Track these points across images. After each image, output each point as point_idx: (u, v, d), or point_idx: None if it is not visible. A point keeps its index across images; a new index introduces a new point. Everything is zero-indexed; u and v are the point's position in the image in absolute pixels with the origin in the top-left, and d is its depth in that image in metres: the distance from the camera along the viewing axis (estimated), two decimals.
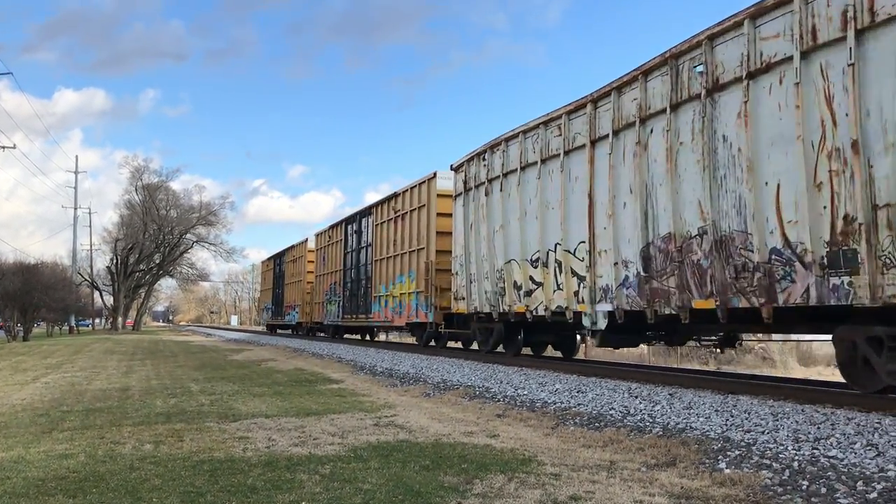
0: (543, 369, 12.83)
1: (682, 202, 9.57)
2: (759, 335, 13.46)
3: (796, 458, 5.43)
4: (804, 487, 4.76)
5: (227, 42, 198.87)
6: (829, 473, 4.96)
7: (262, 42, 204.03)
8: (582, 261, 11.83)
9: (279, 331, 43.53)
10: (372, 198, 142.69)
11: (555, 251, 12.65)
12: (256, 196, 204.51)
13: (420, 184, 19.87)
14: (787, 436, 6.12)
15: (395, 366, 15.17)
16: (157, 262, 72.77)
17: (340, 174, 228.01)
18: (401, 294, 20.70)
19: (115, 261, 68.80)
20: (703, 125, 9.19)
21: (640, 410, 7.91)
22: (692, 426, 6.88)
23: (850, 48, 7.17)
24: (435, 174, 18.75)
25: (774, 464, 5.35)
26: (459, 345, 20.46)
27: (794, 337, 15.68)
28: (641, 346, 24.27)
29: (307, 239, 34.80)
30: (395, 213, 21.39)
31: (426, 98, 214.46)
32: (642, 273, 10.28)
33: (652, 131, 10.21)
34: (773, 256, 8.11)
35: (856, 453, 5.40)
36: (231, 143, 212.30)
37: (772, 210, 8.15)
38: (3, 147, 46.38)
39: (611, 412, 7.97)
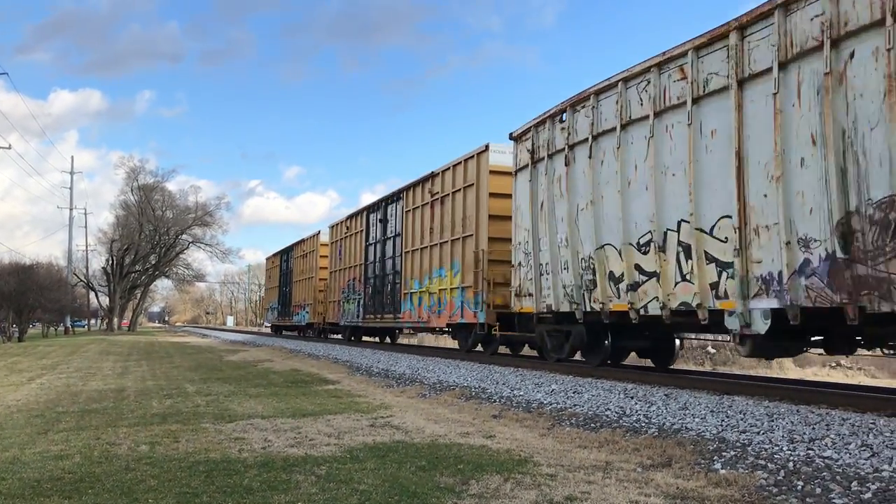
0: (539, 370, 12.85)
1: None
2: None
3: (791, 458, 5.45)
4: (799, 488, 4.77)
5: (223, 43, 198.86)
6: (824, 474, 4.98)
7: (258, 43, 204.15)
8: (725, 242, 8.96)
9: (285, 332, 41.01)
10: (368, 199, 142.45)
11: (677, 231, 9.79)
12: (252, 197, 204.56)
13: (466, 160, 16.87)
14: (783, 436, 6.14)
15: (391, 366, 15.16)
16: (153, 262, 72.74)
17: (336, 175, 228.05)
18: (440, 290, 17.77)
19: (110, 261, 68.76)
20: None
21: (636, 411, 7.92)
22: (688, 427, 6.89)
23: None
24: (487, 147, 15.95)
25: (770, 464, 5.36)
26: (506, 350, 18.05)
27: None
28: None
29: (319, 232, 31.75)
30: (433, 196, 18.46)
31: (422, 100, 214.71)
32: (839, 255, 7.47)
33: (853, 55, 7.41)
34: None
35: (850, 454, 5.42)
36: (227, 144, 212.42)
37: None
38: None
39: (607, 413, 7.99)
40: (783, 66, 8.21)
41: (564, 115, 12.34)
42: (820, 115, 7.73)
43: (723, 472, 5.29)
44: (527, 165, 13.58)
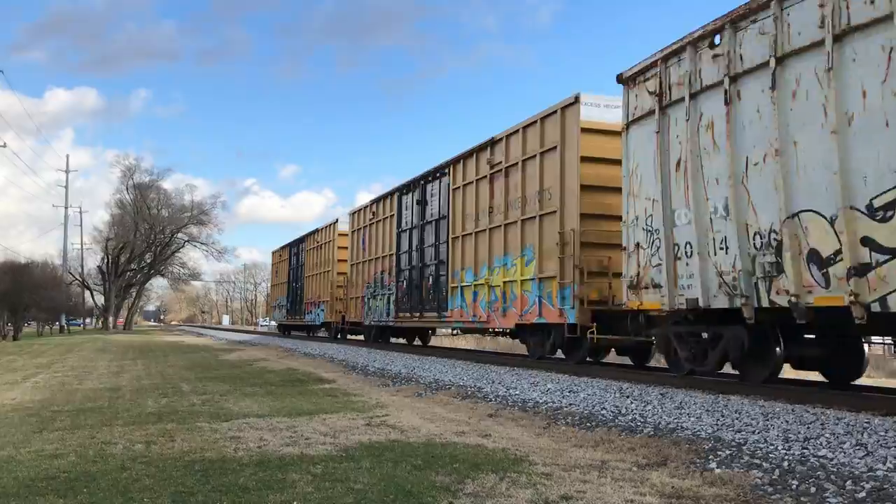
0: (535, 369, 12.86)
1: None
2: None
3: (786, 457, 5.46)
4: (794, 487, 4.78)
5: (219, 42, 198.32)
6: (819, 473, 4.99)
7: (254, 42, 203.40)
8: None
9: (294, 332, 37.84)
10: (364, 198, 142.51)
11: None
12: (248, 195, 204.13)
13: (544, 118, 13.49)
14: (778, 435, 6.16)
15: (387, 366, 15.16)
16: (149, 261, 72.71)
17: (333, 174, 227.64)
18: (505, 283, 14.51)
19: (105, 260, 68.74)
20: None
21: (632, 410, 7.93)
22: (683, 426, 6.90)
23: None
24: (577, 98, 12.58)
25: (765, 463, 5.37)
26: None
27: None
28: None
29: (337, 220, 28.36)
30: (493, 167, 15.23)
31: (418, 99, 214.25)
32: None
33: None
34: None
35: (845, 453, 5.44)
36: (223, 143, 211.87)
37: None
38: None
39: (602, 412, 8.00)
40: None
41: (717, 37, 9.25)
42: None
43: (718, 471, 5.31)
44: (650, 113, 10.34)
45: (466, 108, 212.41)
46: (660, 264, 10.11)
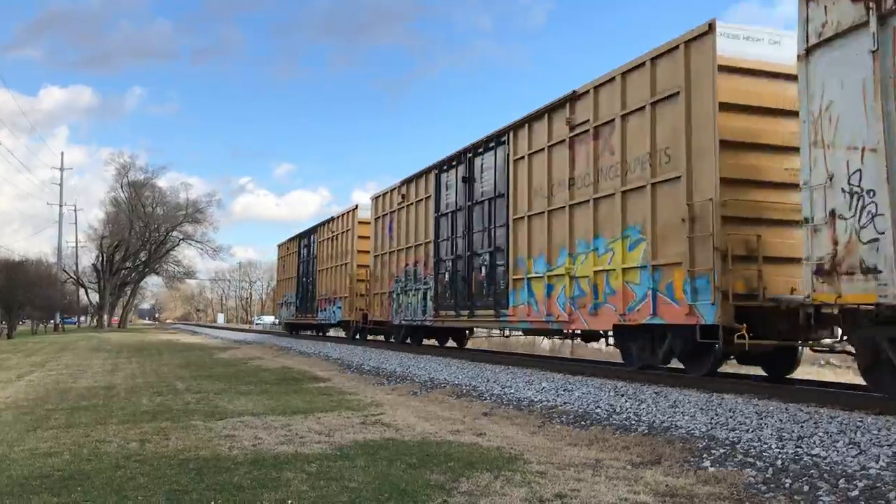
0: (530, 368, 12.86)
1: None
2: None
3: (780, 456, 5.48)
4: (787, 485, 4.80)
5: (215, 41, 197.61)
6: (812, 471, 5.01)
7: (249, 41, 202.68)
8: None
9: (302, 332, 34.92)
10: (359, 196, 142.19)
11: None
12: (243, 194, 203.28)
13: (657, 57, 10.51)
14: (771, 434, 6.18)
15: (382, 364, 15.16)
16: (143, 259, 72.55)
17: (328, 173, 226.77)
18: (597, 273, 11.46)
19: (100, 258, 68.57)
20: None
21: (626, 409, 7.95)
22: (677, 425, 6.92)
23: None
24: (710, 26, 9.63)
25: (758, 462, 5.40)
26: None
27: None
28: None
29: (356, 206, 25.26)
30: (573, 129, 12.19)
31: (413, 98, 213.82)
32: None
33: None
34: None
35: (838, 451, 5.46)
36: (218, 142, 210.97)
37: None
38: None
39: (597, 410, 8.01)
40: None
41: None
42: None
43: (712, 469, 5.32)
44: (854, 29, 7.52)
45: (460, 107, 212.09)
46: (876, 240, 7.26)
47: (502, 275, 14.48)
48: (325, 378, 13.13)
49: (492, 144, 15.19)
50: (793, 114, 8.70)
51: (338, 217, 27.20)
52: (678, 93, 10.07)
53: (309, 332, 34.10)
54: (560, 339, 14.66)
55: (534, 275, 13.27)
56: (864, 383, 8.34)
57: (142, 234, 68.68)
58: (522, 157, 13.87)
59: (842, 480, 4.76)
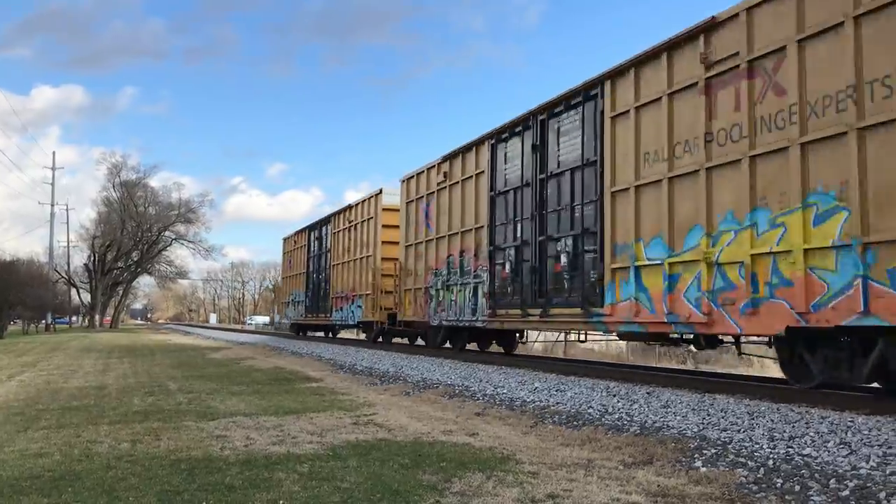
0: (523, 368, 12.87)
1: None
2: None
3: (771, 456, 5.50)
4: (779, 485, 4.82)
5: (207, 40, 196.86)
6: (803, 471, 5.03)
7: (242, 41, 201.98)
8: None
9: (311, 333, 32.13)
10: (353, 196, 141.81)
11: None
12: (235, 194, 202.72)
13: None
14: (763, 434, 6.20)
15: (374, 364, 15.15)
16: (136, 259, 72.36)
17: (320, 173, 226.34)
18: (755, 257, 8.51)
19: (92, 258, 68.33)
20: None
21: (618, 409, 7.97)
22: (669, 425, 6.94)
23: None
24: None
25: (750, 462, 5.41)
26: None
27: None
28: (620, 344, 23.56)
29: (381, 190, 22.08)
30: (710, 68, 9.31)
31: (407, 98, 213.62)
32: None
33: None
34: None
35: (829, 451, 5.48)
36: (210, 141, 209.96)
37: None
38: None
39: (589, 411, 8.02)
40: None
41: None
42: None
43: (703, 469, 5.34)
44: None
45: (454, 107, 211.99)
46: None
47: (593, 264, 11.61)
48: (317, 378, 13.11)
49: (576, 100, 12.23)
50: None
51: (357, 204, 23.93)
52: None
53: (319, 334, 31.58)
54: (686, 346, 12.04)
55: (646, 262, 10.32)
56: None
57: (134, 234, 68.46)
58: (625, 112, 10.93)
59: (833, 480, 4.78)
